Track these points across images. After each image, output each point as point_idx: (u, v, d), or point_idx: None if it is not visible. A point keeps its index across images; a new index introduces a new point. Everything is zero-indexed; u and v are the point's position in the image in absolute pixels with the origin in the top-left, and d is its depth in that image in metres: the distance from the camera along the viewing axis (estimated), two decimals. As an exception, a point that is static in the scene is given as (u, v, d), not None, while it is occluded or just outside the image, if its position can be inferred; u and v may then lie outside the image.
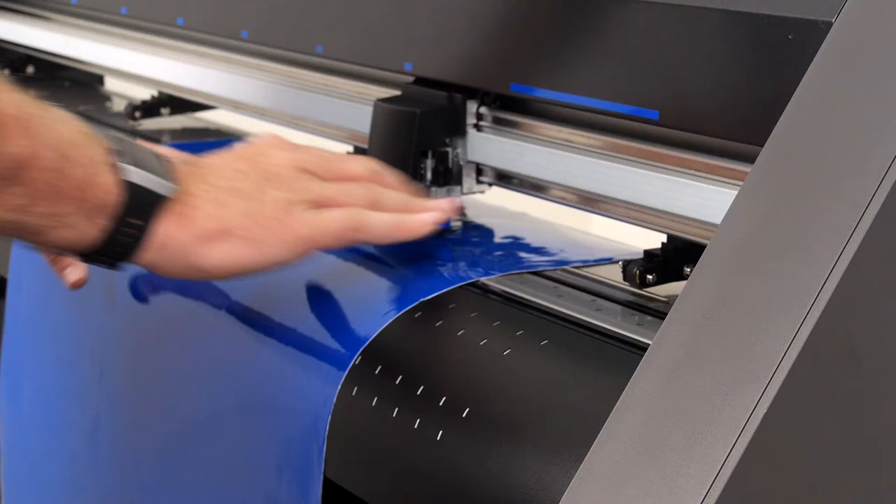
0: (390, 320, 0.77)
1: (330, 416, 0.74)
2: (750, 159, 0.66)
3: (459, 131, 0.93)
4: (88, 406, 0.99)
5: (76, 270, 0.94)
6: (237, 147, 0.81)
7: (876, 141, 0.59)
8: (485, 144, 0.92)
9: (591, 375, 0.70)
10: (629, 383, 0.59)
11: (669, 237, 0.82)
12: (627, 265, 0.81)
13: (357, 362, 0.75)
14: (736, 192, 0.63)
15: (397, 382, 0.73)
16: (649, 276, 0.80)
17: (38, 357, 1.06)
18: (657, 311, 0.78)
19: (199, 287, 0.88)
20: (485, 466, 0.66)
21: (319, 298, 0.84)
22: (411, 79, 0.96)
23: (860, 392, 0.60)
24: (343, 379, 0.75)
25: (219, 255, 0.75)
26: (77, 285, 0.93)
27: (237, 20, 1.12)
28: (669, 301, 0.80)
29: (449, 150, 0.93)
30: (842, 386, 0.59)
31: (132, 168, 0.72)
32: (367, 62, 1.00)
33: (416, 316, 0.78)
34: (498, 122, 0.93)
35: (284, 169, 0.79)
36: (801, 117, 0.63)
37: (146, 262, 0.74)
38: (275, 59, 1.13)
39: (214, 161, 0.79)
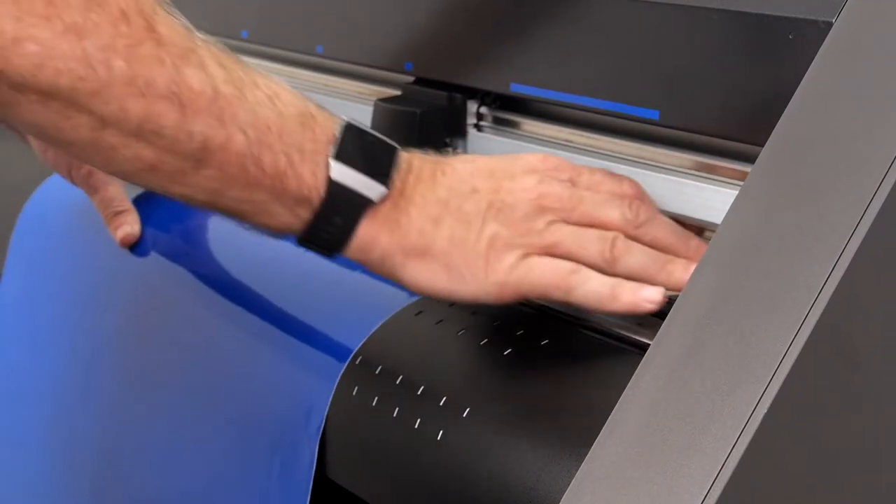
0: (390, 315, 0.77)
1: (328, 409, 0.74)
2: (750, 159, 0.66)
3: (460, 131, 0.93)
4: (81, 383, 0.99)
5: (126, 227, 0.93)
6: (501, 157, 0.74)
7: (876, 141, 0.59)
8: (485, 144, 0.92)
9: (591, 375, 0.70)
10: (629, 383, 0.59)
11: (669, 237, 0.82)
12: (628, 265, 0.81)
13: (357, 362, 0.75)
14: (736, 192, 0.63)
15: (397, 382, 0.72)
16: (649, 276, 0.80)
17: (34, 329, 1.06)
18: (657, 312, 0.78)
19: (201, 264, 0.88)
20: (485, 466, 0.66)
21: (320, 292, 0.83)
22: (411, 79, 0.96)
23: (860, 392, 0.60)
24: (342, 371, 0.75)
25: (415, 272, 0.71)
26: (125, 242, 0.93)
27: (237, 20, 1.12)
28: (669, 301, 0.80)
29: (449, 150, 0.93)
30: (842, 386, 0.59)
31: (342, 165, 0.69)
32: (367, 62, 1.00)
33: (416, 316, 0.78)
34: (498, 122, 0.92)
35: (522, 202, 0.71)
36: (801, 117, 0.63)
37: (353, 258, 0.71)
38: (275, 59, 1.13)
39: (458, 167, 0.73)
